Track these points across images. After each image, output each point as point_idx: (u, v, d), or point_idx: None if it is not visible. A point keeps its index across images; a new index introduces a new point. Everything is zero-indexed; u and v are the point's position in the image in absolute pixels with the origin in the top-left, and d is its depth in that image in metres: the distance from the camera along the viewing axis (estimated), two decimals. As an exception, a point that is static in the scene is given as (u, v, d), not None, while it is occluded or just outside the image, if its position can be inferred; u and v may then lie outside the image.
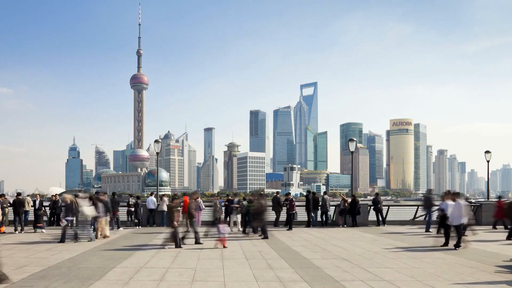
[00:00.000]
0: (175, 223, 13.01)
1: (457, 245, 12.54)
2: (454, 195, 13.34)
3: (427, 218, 18.38)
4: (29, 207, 18.80)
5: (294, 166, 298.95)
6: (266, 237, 15.24)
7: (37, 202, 18.94)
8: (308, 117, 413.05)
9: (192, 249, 12.75)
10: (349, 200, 20.36)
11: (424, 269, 9.55)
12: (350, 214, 19.91)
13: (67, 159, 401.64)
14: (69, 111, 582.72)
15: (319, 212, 20.20)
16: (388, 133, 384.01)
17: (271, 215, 18.96)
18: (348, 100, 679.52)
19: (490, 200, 25.83)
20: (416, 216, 22.20)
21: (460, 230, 12.59)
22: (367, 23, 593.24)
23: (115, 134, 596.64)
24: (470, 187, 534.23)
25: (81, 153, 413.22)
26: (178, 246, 13.01)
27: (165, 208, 19.84)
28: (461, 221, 12.41)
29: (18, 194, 19.15)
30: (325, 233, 17.19)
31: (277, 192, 21.03)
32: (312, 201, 19.94)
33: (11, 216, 18.69)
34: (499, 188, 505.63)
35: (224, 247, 12.91)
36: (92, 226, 15.37)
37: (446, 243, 13.04)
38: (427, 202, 18.44)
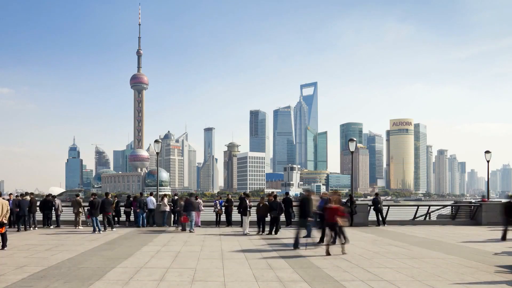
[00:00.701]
0: None
1: None
2: None
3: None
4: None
5: (294, 166, 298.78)
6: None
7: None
8: (308, 117, 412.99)
9: (191, 250, 12.76)
10: (344, 201, 20.43)
11: (424, 269, 9.54)
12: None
13: (67, 159, 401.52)
14: (69, 111, 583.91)
15: None
16: (388, 133, 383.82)
17: None
18: (348, 100, 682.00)
19: (490, 200, 25.85)
20: (416, 216, 22.24)
21: None
22: (366, 23, 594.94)
23: (115, 134, 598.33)
24: (470, 187, 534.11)
25: (81, 153, 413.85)
26: None
27: (166, 208, 19.83)
28: None
29: (21, 195, 19.17)
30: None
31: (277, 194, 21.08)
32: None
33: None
34: (499, 188, 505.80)
35: None
36: None
37: None
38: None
